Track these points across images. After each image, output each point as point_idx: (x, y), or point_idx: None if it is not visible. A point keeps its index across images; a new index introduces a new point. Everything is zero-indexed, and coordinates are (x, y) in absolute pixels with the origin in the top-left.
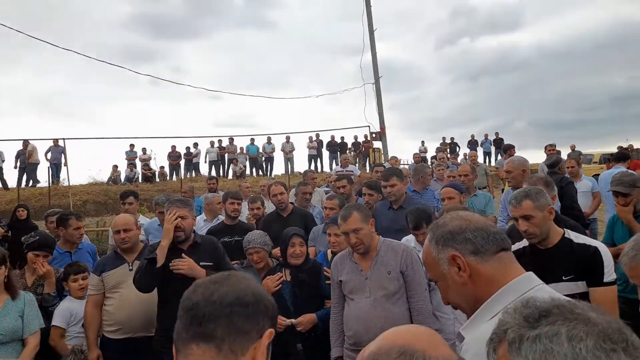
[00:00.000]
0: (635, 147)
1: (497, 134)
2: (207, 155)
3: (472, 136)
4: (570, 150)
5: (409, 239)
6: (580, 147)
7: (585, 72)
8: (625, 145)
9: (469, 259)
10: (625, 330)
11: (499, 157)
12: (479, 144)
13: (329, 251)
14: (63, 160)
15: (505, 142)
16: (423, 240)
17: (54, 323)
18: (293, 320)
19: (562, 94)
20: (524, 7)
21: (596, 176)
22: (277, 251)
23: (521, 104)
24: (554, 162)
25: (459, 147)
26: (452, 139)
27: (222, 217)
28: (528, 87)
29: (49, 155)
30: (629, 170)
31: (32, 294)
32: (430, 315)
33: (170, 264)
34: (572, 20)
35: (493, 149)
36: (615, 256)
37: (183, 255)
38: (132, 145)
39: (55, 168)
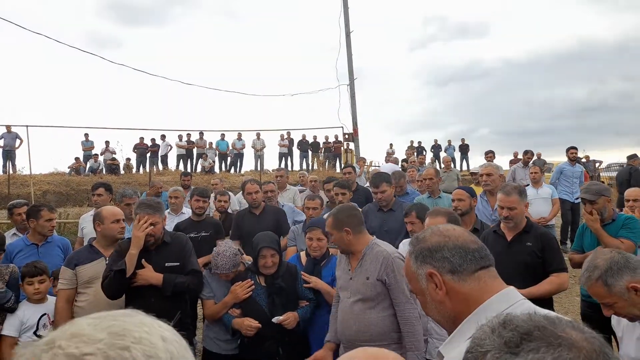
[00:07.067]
0: (591, 158)
1: (462, 139)
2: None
3: (435, 141)
4: (536, 158)
5: (407, 242)
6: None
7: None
8: (582, 156)
9: (445, 278)
10: (606, 349)
11: (464, 162)
12: (443, 149)
13: (302, 253)
14: (17, 144)
15: (471, 148)
16: (412, 229)
17: (3, 332)
18: (280, 317)
19: (525, 104)
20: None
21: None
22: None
23: (486, 111)
24: (633, 156)
25: (425, 151)
26: (419, 142)
27: (186, 211)
28: (493, 95)
29: (2, 142)
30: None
31: None
32: (417, 321)
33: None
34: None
35: (459, 154)
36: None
37: (143, 261)
38: (86, 135)
39: (8, 155)
